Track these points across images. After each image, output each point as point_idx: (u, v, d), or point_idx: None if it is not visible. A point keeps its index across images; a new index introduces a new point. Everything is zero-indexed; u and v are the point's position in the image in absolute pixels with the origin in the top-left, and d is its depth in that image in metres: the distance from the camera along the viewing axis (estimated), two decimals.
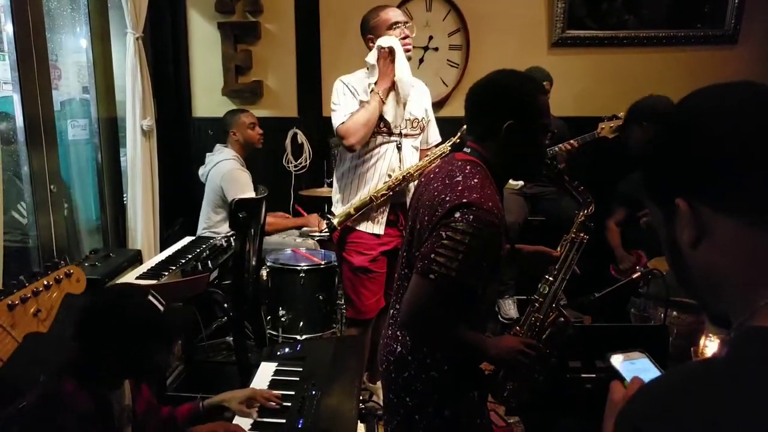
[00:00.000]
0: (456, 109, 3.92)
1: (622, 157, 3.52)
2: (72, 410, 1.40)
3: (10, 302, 1.02)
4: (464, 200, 1.46)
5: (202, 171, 3.45)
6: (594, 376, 1.95)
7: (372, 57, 2.57)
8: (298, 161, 4.00)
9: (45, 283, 1.10)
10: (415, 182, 2.71)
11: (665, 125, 0.72)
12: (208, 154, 3.49)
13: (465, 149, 1.63)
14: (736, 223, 0.64)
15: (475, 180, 1.51)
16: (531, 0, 3.90)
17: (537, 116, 1.56)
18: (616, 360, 0.88)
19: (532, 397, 1.77)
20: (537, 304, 1.72)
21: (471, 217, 1.44)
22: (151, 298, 1.52)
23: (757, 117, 0.65)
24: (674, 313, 2.27)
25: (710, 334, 2.22)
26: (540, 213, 3.75)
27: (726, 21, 3.83)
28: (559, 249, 1.76)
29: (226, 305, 2.56)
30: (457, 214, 1.45)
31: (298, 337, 2.99)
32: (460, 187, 1.49)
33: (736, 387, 0.57)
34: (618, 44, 3.91)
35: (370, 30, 2.62)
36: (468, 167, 1.55)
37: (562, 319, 1.69)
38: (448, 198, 1.49)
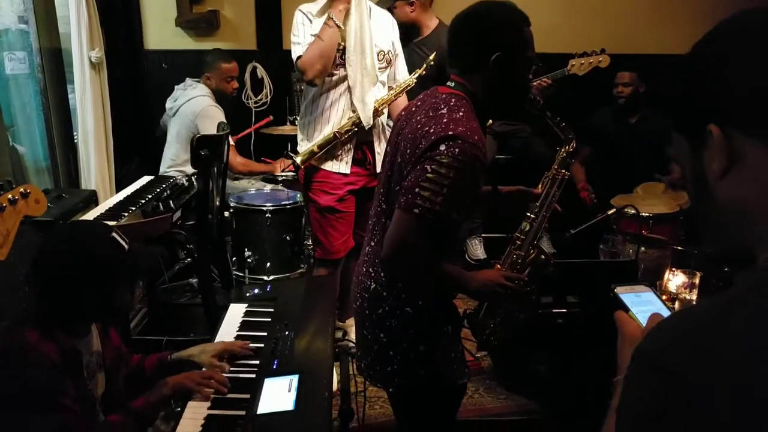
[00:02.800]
0: None
1: (588, 95, 3.55)
2: (38, 363, 1.33)
3: None
4: (450, 132, 1.41)
5: (170, 105, 3.28)
6: (565, 311, 1.98)
7: None
8: (258, 97, 3.83)
9: None
10: (382, 117, 2.64)
11: (700, 50, 0.69)
12: (177, 86, 3.31)
13: (448, 83, 1.57)
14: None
15: (461, 113, 1.46)
16: None
17: (524, 49, 1.51)
18: (622, 292, 0.87)
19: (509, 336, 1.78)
20: (518, 242, 1.71)
21: (456, 150, 1.40)
22: (114, 235, 1.44)
23: None
24: (642, 248, 2.32)
25: (673, 269, 2.29)
26: (508, 151, 3.73)
27: None
28: (540, 186, 1.74)
29: (189, 246, 2.47)
30: (442, 147, 1.41)
31: (266, 278, 2.95)
32: (445, 120, 1.44)
33: None
34: None
35: None
36: (453, 100, 1.50)
37: (543, 256, 1.70)
38: (432, 130, 1.44)
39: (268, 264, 2.99)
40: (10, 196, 1.01)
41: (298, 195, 3.12)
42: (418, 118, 1.52)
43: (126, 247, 1.44)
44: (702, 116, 0.66)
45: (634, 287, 0.92)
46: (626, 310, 0.85)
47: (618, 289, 0.90)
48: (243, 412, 1.50)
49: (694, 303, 0.65)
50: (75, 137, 3.26)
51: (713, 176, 0.66)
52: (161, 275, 2.78)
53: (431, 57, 2.60)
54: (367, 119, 2.47)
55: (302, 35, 2.46)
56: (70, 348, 1.44)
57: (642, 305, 0.86)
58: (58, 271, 1.38)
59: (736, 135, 0.64)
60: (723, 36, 0.69)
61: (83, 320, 1.50)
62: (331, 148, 2.50)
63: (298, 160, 2.49)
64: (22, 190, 1.04)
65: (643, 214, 2.89)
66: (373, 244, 1.66)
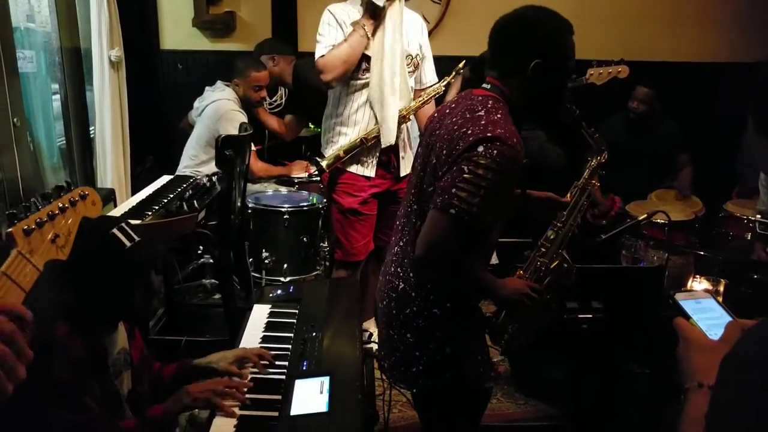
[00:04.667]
0: (438, 47, 3.78)
1: (603, 103, 3.55)
2: (66, 356, 1.33)
3: (26, 227, 0.91)
4: (488, 134, 1.41)
5: (197, 104, 3.28)
6: (590, 316, 1.98)
7: None
8: (273, 99, 3.83)
9: (60, 205, 0.99)
10: (408, 123, 2.64)
11: None
12: (207, 87, 3.32)
13: (484, 85, 1.57)
14: None
15: (499, 115, 1.46)
16: None
17: (565, 57, 1.51)
18: (683, 299, 0.87)
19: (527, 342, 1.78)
20: (543, 249, 1.71)
21: (495, 151, 1.39)
22: (115, 231, 1.41)
23: None
24: (666, 255, 2.32)
25: (697, 276, 2.29)
26: (524, 156, 3.73)
27: None
28: (569, 195, 1.74)
29: (215, 246, 2.47)
30: (481, 148, 1.40)
31: (283, 280, 2.94)
32: (483, 121, 1.44)
33: None
34: None
35: None
36: (490, 102, 1.50)
37: (566, 265, 1.69)
38: (470, 131, 1.44)
39: (285, 265, 2.98)
40: (71, 197, 1.01)
41: (315, 197, 3.12)
42: (454, 119, 1.51)
43: (127, 243, 1.42)
44: None
45: (693, 294, 0.91)
46: (687, 317, 0.84)
47: (678, 296, 0.90)
48: (276, 413, 1.49)
49: None
50: (91, 135, 3.26)
51: None
52: (174, 276, 2.78)
53: (460, 65, 2.60)
54: (387, 141, 2.47)
55: (327, 35, 2.45)
56: (96, 343, 1.44)
57: (703, 312, 0.86)
58: (71, 268, 1.37)
59: None
60: None
61: (104, 316, 1.50)
62: (356, 152, 2.50)
63: (324, 164, 2.49)
64: (80, 191, 1.04)
65: (659, 221, 2.91)
66: (401, 244, 1.66)
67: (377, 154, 2.55)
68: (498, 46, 1.55)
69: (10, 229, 0.90)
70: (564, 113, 1.61)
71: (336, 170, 2.55)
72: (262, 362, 1.69)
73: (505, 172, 1.41)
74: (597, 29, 3.81)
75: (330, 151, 2.55)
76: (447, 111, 1.59)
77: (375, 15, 2.38)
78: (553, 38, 1.49)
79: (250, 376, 1.65)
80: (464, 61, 2.62)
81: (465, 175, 1.41)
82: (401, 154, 2.61)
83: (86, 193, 1.04)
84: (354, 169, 2.55)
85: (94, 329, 1.44)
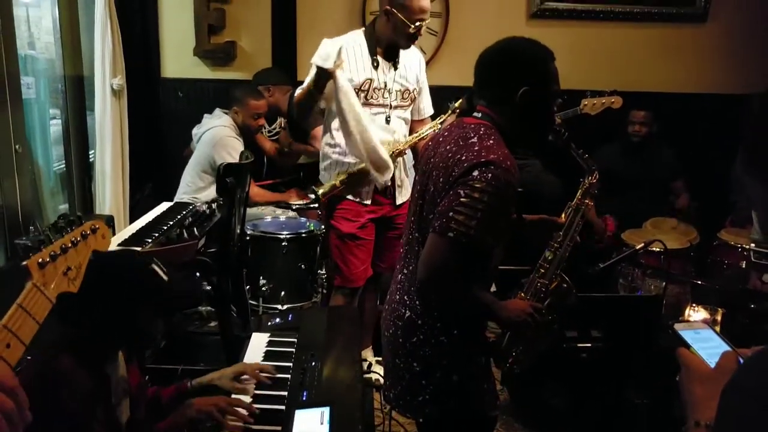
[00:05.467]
0: (435, 77, 3.84)
1: (596, 130, 3.61)
2: (72, 389, 1.32)
3: (40, 260, 0.93)
4: (482, 159, 1.45)
5: (195, 131, 3.32)
6: (589, 345, 1.98)
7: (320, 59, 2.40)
8: (272, 126, 3.87)
9: (72, 239, 1.01)
10: (405, 156, 2.68)
11: None
12: (206, 115, 3.36)
13: (475, 113, 1.61)
14: None
15: (491, 140, 1.50)
16: None
17: (550, 83, 1.56)
18: (682, 330, 0.88)
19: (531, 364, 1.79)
20: (542, 270, 1.73)
21: (490, 175, 1.43)
22: (154, 266, 1.44)
23: None
24: (663, 284, 2.34)
25: (694, 304, 2.30)
26: (520, 185, 3.77)
27: (697, 1, 3.92)
28: (563, 216, 1.77)
29: (214, 275, 2.46)
30: (476, 173, 1.44)
31: (280, 307, 2.93)
32: (477, 147, 1.48)
33: None
34: (595, 18, 3.93)
35: (394, 4, 2.44)
36: (482, 129, 1.54)
37: (565, 285, 1.71)
38: (464, 157, 1.48)
39: (283, 293, 2.98)
40: (82, 230, 1.03)
41: (313, 224, 3.13)
42: (448, 147, 1.55)
43: (165, 278, 1.45)
44: None
45: (692, 324, 0.93)
46: (687, 346, 0.86)
47: (677, 326, 0.91)
48: None
49: None
50: (91, 158, 3.28)
51: None
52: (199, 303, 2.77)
53: (456, 104, 2.65)
54: (382, 185, 2.55)
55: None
56: (101, 372, 1.43)
57: (702, 342, 0.87)
58: (101, 300, 1.38)
59: None
60: None
61: (117, 346, 1.50)
62: (353, 182, 2.53)
63: (320, 192, 2.51)
64: (92, 225, 1.06)
65: (655, 249, 2.93)
66: (406, 272, 1.68)
67: (373, 183, 2.58)
68: (485, 76, 1.60)
69: (25, 262, 0.91)
70: (553, 136, 1.65)
71: (333, 197, 2.57)
72: (263, 376, 1.71)
73: (501, 195, 1.44)
74: (591, 61, 3.89)
75: (326, 179, 2.57)
76: (441, 139, 1.63)
77: (321, 83, 2.43)
78: (537, 65, 1.54)
79: (252, 396, 1.65)
80: (460, 100, 2.66)
81: (462, 199, 1.44)
82: (398, 181, 2.64)
83: (97, 226, 1.06)
84: (351, 196, 2.57)
85: (99, 359, 1.45)
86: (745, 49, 3.93)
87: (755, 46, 3.92)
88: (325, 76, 2.38)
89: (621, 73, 3.88)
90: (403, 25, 2.43)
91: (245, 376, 1.73)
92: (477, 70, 1.61)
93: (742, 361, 0.76)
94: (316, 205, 2.63)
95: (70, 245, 0.99)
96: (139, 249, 2.04)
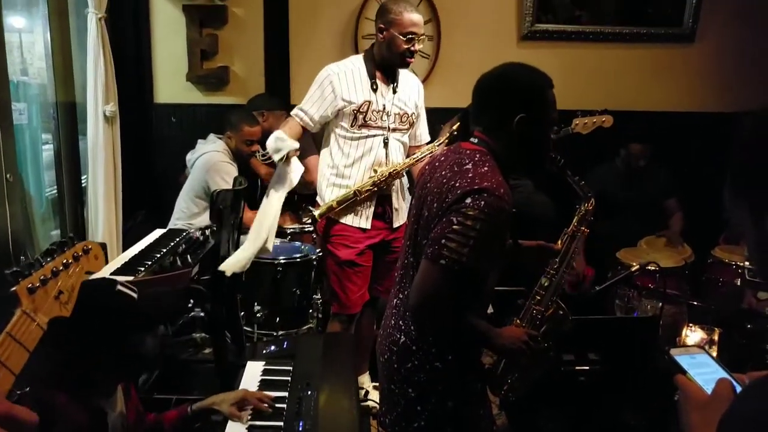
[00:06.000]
0: (427, 99, 3.83)
1: (589, 152, 3.63)
2: (67, 425, 1.30)
3: (30, 285, 0.90)
4: (476, 186, 1.45)
5: (190, 156, 3.33)
6: (587, 368, 1.97)
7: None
8: (266, 151, 3.86)
9: (64, 261, 0.98)
10: (402, 178, 2.68)
11: (759, 125, 0.72)
12: (199, 140, 3.37)
13: (471, 139, 1.62)
14: None
15: (486, 167, 1.50)
16: None
17: (547, 110, 1.57)
18: (678, 355, 0.88)
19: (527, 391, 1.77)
20: (538, 297, 1.73)
21: (482, 203, 1.43)
22: (120, 287, 1.42)
23: None
24: (659, 304, 2.33)
25: (691, 325, 2.30)
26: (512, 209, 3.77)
27: (684, 21, 3.98)
28: (559, 243, 1.77)
29: (208, 302, 2.45)
30: (468, 200, 1.44)
31: (275, 334, 2.91)
32: (470, 174, 1.48)
33: None
34: (585, 39, 3.98)
35: (385, 21, 2.50)
36: (477, 156, 1.54)
37: (561, 312, 1.71)
38: (458, 184, 1.48)
39: (278, 319, 2.95)
40: (74, 252, 1.01)
41: (307, 248, 3.11)
42: (443, 173, 1.56)
43: (135, 295, 1.42)
44: (765, 186, 0.69)
45: (688, 349, 0.92)
46: (683, 372, 0.85)
47: (673, 351, 0.91)
48: None
49: None
50: (83, 183, 3.26)
51: None
52: (181, 314, 2.74)
53: (455, 127, 2.67)
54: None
55: (310, 98, 2.56)
56: (98, 408, 1.41)
57: (698, 367, 0.87)
58: (77, 334, 1.36)
59: None
60: None
61: (110, 379, 1.48)
62: (351, 203, 2.53)
63: (317, 213, 2.51)
64: (84, 246, 1.04)
65: (650, 268, 2.92)
66: (401, 296, 1.67)
67: (372, 205, 2.57)
68: (482, 102, 1.61)
69: (14, 288, 0.89)
70: (549, 163, 1.66)
71: (331, 222, 2.57)
72: (263, 405, 1.70)
73: (493, 222, 1.44)
74: (582, 82, 3.93)
75: (324, 201, 2.57)
76: (437, 164, 1.63)
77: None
78: (534, 92, 1.55)
79: (248, 428, 1.63)
80: (458, 125, 2.68)
81: (454, 226, 1.44)
82: (395, 205, 2.64)
83: (89, 247, 1.04)
84: (349, 220, 2.57)
85: (95, 392, 1.43)
86: (732, 67, 3.99)
87: (742, 64, 3.97)
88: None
89: (611, 92, 3.91)
90: (396, 41, 2.47)
91: (247, 404, 1.71)
92: (474, 95, 1.62)
93: (737, 387, 0.76)
94: (311, 228, 2.61)
95: (61, 267, 0.97)
96: (130, 278, 2.02)
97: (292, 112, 2.60)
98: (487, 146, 1.57)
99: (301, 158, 3.45)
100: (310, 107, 2.54)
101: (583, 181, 1.74)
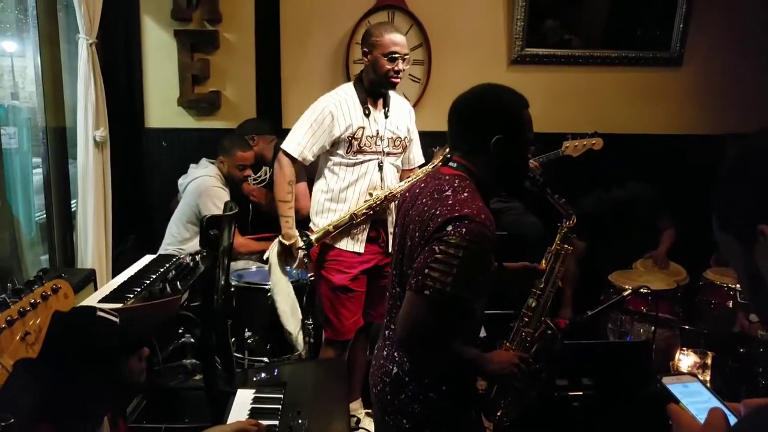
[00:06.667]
0: (418, 123, 3.83)
1: (581, 175, 3.65)
2: None
3: None
4: (456, 214, 1.44)
5: (181, 181, 3.32)
6: (581, 393, 1.95)
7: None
8: (258, 174, 3.87)
9: (31, 301, 0.96)
10: (398, 200, 2.68)
11: (746, 151, 0.72)
12: (192, 165, 3.36)
13: (450, 164, 1.61)
14: None
15: (465, 193, 1.49)
16: (491, 17, 3.95)
17: (523, 131, 1.57)
18: (670, 383, 0.87)
19: (521, 415, 1.75)
20: (526, 318, 1.72)
21: (464, 230, 1.42)
22: (101, 313, 1.40)
23: None
24: (652, 328, 2.33)
25: (683, 348, 2.29)
26: (500, 228, 3.77)
27: (672, 45, 4.05)
28: (543, 262, 1.76)
29: (198, 329, 2.41)
30: (450, 228, 1.43)
31: (266, 360, 2.87)
32: (450, 201, 1.47)
33: None
34: (574, 63, 4.03)
35: (368, 44, 2.57)
36: (456, 181, 1.53)
37: (550, 332, 1.70)
38: (438, 212, 1.47)
39: (269, 345, 2.92)
40: (42, 291, 0.99)
41: (299, 272, 3.09)
42: (423, 200, 1.55)
43: (116, 320, 1.40)
44: (752, 218, 0.69)
45: (680, 377, 0.91)
46: (676, 401, 0.84)
47: (665, 380, 0.90)
48: None
49: None
50: (73, 208, 3.24)
51: None
52: (155, 357, 2.69)
53: (447, 150, 2.68)
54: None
55: (302, 129, 2.55)
56: None
57: (691, 396, 0.86)
58: (61, 365, 1.34)
59: None
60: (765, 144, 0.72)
61: (99, 409, 1.45)
62: (346, 227, 2.52)
63: (313, 238, 2.49)
64: (53, 285, 1.02)
65: (642, 290, 2.92)
66: (393, 326, 1.65)
67: (366, 229, 2.57)
68: (458, 126, 1.60)
69: None
70: (529, 183, 1.66)
71: (325, 246, 2.56)
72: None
73: (476, 249, 1.43)
74: (571, 105, 3.97)
75: (319, 225, 2.56)
76: (417, 191, 1.62)
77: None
78: (508, 114, 1.54)
79: None
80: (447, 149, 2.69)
81: (437, 255, 1.43)
82: (389, 229, 2.63)
83: (59, 286, 1.03)
84: (344, 245, 2.56)
85: (81, 423, 1.39)
86: (719, 90, 4.04)
87: (729, 87, 4.03)
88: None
89: (601, 116, 3.95)
90: (379, 62, 2.51)
91: None
92: (451, 118, 1.61)
93: (730, 417, 0.75)
94: (306, 252, 2.59)
95: (28, 308, 0.95)
96: (118, 306, 1.99)
97: (285, 148, 2.56)
98: (466, 170, 1.56)
99: None
100: (308, 140, 2.53)
101: (563, 199, 1.74)
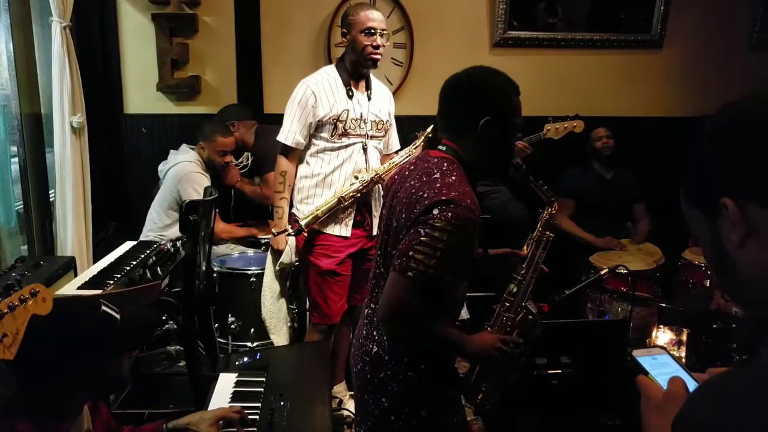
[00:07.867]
0: (401, 107, 3.86)
1: (559, 155, 3.66)
2: None
3: None
4: (443, 197, 1.45)
5: (161, 167, 3.29)
6: (560, 371, 1.98)
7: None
8: (240, 160, 3.84)
9: (9, 304, 0.97)
10: (381, 184, 2.68)
11: (712, 127, 0.73)
12: (172, 151, 3.33)
13: (440, 147, 1.62)
14: None
15: (453, 177, 1.50)
16: (474, 0, 3.94)
17: (512, 115, 1.58)
18: (640, 356, 0.89)
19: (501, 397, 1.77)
20: (507, 304, 1.73)
21: (449, 214, 1.43)
22: (105, 308, 1.40)
23: None
24: (629, 307, 2.36)
25: (660, 326, 2.33)
26: (485, 211, 3.78)
27: (653, 28, 4.06)
28: (525, 248, 1.78)
29: (179, 314, 2.41)
30: (436, 211, 1.44)
31: (250, 345, 2.87)
32: (438, 184, 1.48)
33: None
34: (556, 46, 4.03)
35: (346, 24, 2.58)
36: (445, 164, 1.54)
37: (531, 317, 1.71)
38: (425, 195, 1.47)
39: (252, 330, 2.92)
40: (20, 295, 0.99)
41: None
42: (412, 182, 1.55)
43: (118, 317, 1.40)
44: (716, 192, 0.70)
45: (650, 350, 0.93)
46: (645, 373, 0.86)
47: (635, 353, 0.92)
48: None
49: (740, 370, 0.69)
50: (51, 197, 3.19)
51: (732, 246, 0.69)
52: (153, 330, 2.69)
53: (429, 129, 2.68)
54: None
55: (291, 119, 2.54)
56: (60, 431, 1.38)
57: (660, 368, 0.88)
58: (50, 356, 1.33)
59: (750, 207, 0.67)
60: (734, 113, 0.73)
61: (80, 401, 1.44)
62: (333, 211, 2.52)
63: (303, 223, 2.49)
64: (31, 289, 1.02)
65: (621, 271, 2.96)
66: (373, 306, 1.66)
67: (353, 213, 2.57)
68: (448, 107, 1.60)
69: None
70: (513, 170, 1.66)
71: (312, 232, 2.56)
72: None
73: (461, 233, 1.44)
74: (553, 88, 3.98)
75: (306, 211, 2.56)
76: (406, 173, 1.63)
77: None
78: (499, 97, 1.55)
79: None
80: (431, 127, 2.69)
81: (422, 238, 1.44)
82: (374, 212, 2.64)
83: (37, 290, 1.03)
84: (330, 229, 2.56)
85: (59, 417, 1.39)
86: (699, 73, 4.08)
87: (709, 70, 4.06)
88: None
89: (582, 98, 3.97)
90: (357, 39, 2.52)
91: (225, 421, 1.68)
92: (441, 99, 1.62)
93: (691, 383, 0.77)
94: (294, 237, 2.58)
95: (6, 311, 0.95)
96: (97, 292, 1.98)
97: (279, 139, 2.57)
98: (454, 153, 1.57)
99: (261, 173, 3.45)
100: (296, 123, 2.53)
101: (546, 186, 1.75)
